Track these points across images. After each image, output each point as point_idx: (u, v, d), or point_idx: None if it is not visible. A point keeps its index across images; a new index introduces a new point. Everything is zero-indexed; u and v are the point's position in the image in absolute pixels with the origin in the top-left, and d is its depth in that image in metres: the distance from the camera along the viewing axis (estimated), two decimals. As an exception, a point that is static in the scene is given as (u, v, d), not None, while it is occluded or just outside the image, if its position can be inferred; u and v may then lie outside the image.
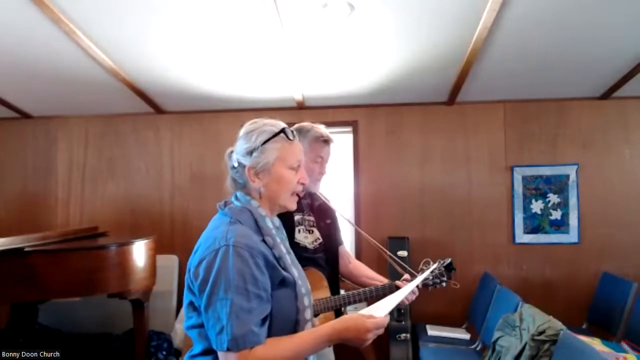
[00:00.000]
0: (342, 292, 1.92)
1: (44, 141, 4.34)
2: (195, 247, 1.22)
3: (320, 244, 1.95)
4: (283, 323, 1.17)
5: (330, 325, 1.16)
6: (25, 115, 4.30)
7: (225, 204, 1.29)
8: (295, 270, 1.26)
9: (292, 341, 1.14)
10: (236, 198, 1.29)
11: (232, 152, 1.31)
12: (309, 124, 1.97)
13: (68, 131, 4.32)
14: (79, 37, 2.85)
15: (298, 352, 1.13)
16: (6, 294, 2.62)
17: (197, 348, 1.21)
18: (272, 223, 1.27)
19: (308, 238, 1.93)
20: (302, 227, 1.93)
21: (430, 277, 1.88)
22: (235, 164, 1.27)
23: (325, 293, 1.86)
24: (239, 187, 1.29)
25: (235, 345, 1.06)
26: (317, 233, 1.96)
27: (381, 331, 1.18)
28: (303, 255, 1.86)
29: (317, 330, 1.17)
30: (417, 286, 1.81)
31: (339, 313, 1.90)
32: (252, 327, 1.08)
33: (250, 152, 1.24)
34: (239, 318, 1.07)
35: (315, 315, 1.81)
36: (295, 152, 1.29)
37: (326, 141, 1.93)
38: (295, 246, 1.85)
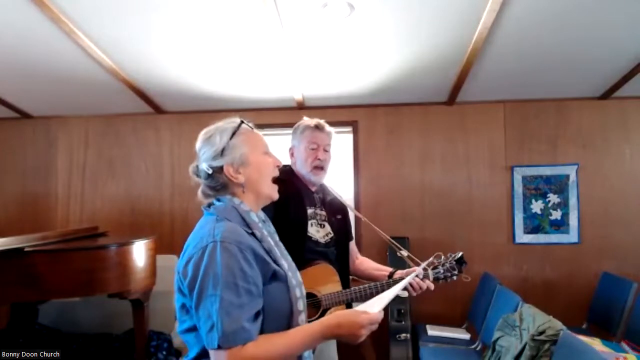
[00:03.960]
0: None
1: (44, 141, 4.34)
2: (184, 248, 1.20)
3: (331, 238, 1.96)
4: (277, 316, 1.16)
5: (323, 322, 1.15)
6: (25, 115, 4.30)
7: (209, 206, 1.29)
8: (285, 263, 1.25)
9: (284, 338, 1.12)
10: (218, 200, 1.28)
11: (196, 166, 1.29)
12: (304, 118, 2.03)
13: (68, 131, 4.32)
14: (78, 37, 2.85)
15: (290, 349, 1.12)
16: (6, 294, 2.62)
17: (193, 352, 1.19)
18: (257, 217, 1.27)
19: (320, 232, 1.93)
20: (314, 220, 1.93)
21: (442, 271, 1.88)
22: (210, 171, 1.25)
23: (336, 287, 1.85)
24: (219, 192, 1.27)
25: (226, 342, 1.04)
26: (328, 228, 1.97)
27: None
28: (314, 249, 1.87)
29: (309, 327, 1.15)
30: (429, 278, 1.84)
31: (349, 307, 1.89)
32: (243, 323, 1.06)
33: (220, 153, 1.24)
34: (230, 314, 1.05)
35: (327, 309, 1.81)
36: (261, 139, 1.33)
37: (317, 127, 1.95)
38: (307, 239, 1.86)
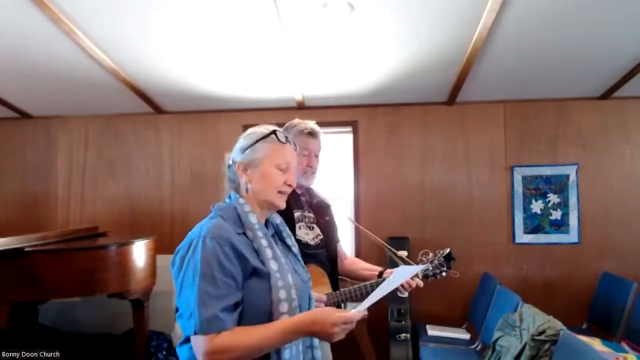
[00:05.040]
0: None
1: (44, 141, 4.34)
2: None
3: (321, 240, 1.96)
4: (256, 313, 1.20)
5: (299, 317, 1.19)
6: (25, 115, 4.30)
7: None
8: (276, 264, 1.26)
9: (259, 330, 1.16)
10: (229, 197, 1.36)
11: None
12: (297, 120, 1.99)
13: (68, 131, 4.32)
14: (78, 37, 2.85)
15: (264, 341, 1.15)
16: (6, 294, 2.62)
17: (184, 336, 1.26)
18: (256, 218, 1.31)
19: (309, 234, 1.94)
20: (303, 223, 1.94)
21: (431, 268, 1.88)
22: (230, 162, 1.37)
23: (326, 289, 1.86)
24: (233, 185, 1.37)
25: (202, 329, 1.11)
26: (317, 230, 1.97)
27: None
28: (304, 251, 1.86)
29: (284, 322, 1.19)
30: (419, 276, 1.84)
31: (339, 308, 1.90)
32: (218, 313, 1.12)
33: (243, 150, 1.34)
34: (205, 303, 1.13)
35: None
36: (285, 154, 1.35)
37: (311, 134, 1.93)
38: (297, 242, 1.86)
